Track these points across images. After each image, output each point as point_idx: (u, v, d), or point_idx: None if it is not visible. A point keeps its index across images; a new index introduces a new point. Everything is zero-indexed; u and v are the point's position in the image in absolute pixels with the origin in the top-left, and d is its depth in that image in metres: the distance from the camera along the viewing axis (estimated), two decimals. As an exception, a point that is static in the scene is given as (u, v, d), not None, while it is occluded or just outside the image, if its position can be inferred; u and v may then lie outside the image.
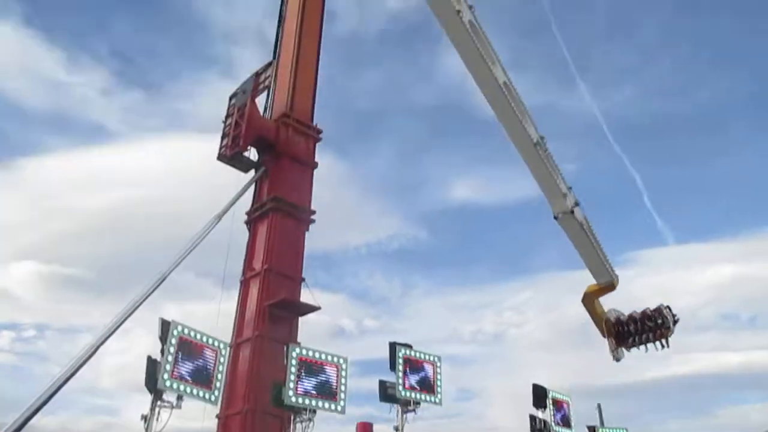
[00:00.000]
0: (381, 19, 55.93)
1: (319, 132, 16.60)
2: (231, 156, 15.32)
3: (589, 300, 19.52)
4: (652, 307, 19.15)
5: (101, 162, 44.53)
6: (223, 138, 15.77)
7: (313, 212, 15.68)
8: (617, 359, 19.67)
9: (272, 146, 15.71)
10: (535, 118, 17.01)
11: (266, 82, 15.89)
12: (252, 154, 15.92)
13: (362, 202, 56.70)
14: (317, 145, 16.54)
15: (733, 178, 56.05)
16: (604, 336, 19.67)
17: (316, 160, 16.34)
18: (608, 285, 18.99)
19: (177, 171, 43.76)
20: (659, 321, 18.86)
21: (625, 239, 57.10)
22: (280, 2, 18.68)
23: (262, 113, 16.23)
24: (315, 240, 16.10)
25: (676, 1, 60.14)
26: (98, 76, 55.09)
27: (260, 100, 16.29)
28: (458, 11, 14.63)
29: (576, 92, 57.83)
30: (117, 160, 44.38)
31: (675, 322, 18.84)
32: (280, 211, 15.02)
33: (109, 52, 53.85)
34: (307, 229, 15.63)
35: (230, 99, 16.32)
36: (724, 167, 57.91)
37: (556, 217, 17.92)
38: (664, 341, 18.95)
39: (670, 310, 18.95)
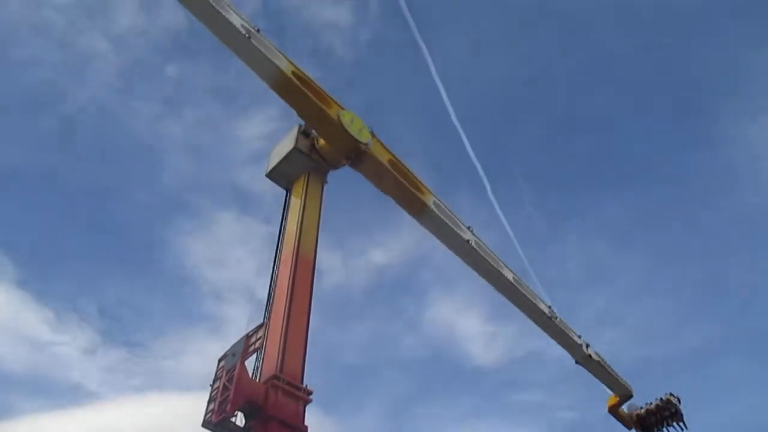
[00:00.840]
0: (366, 273, 58.48)
1: (309, 393, 16.21)
2: (217, 422, 14.63)
3: (615, 410, 23.98)
4: (660, 395, 23.74)
5: (78, 424, 42.38)
6: (209, 402, 15.27)
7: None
8: None
9: (260, 410, 15.18)
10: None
11: (257, 344, 15.96)
12: (239, 418, 15.31)
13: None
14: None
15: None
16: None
17: (306, 423, 15.72)
18: (627, 395, 23.80)
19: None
20: (672, 409, 23.48)
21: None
22: (273, 263, 19.68)
23: (251, 375, 16.02)
24: None
25: (646, 245, 64.17)
26: (83, 335, 55.08)
27: (249, 362, 16.22)
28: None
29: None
30: (94, 421, 42.32)
31: (679, 401, 23.51)
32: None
33: (98, 311, 54.65)
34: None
35: (219, 361, 16.19)
36: (723, 410, 56.36)
37: (577, 362, 22.47)
38: (681, 424, 23.61)
39: (673, 395, 23.50)
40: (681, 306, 61.64)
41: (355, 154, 19.79)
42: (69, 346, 52.76)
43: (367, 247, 57.00)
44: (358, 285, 57.98)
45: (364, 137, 19.66)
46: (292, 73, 18.29)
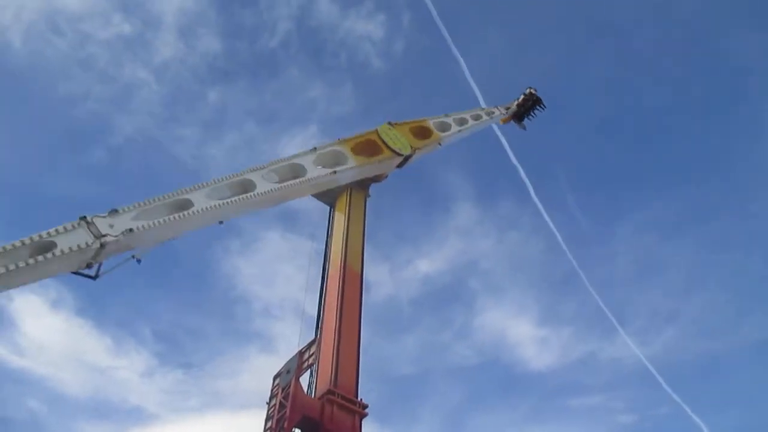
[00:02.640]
0: (414, 283, 58.37)
1: (365, 407, 16.28)
2: (275, 439, 14.91)
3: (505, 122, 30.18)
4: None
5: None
6: (267, 420, 15.54)
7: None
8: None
9: (317, 425, 15.33)
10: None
11: (310, 360, 16.17)
12: (296, 435, 15.50)
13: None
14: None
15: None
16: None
17: (362, 436, 15.80)
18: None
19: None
20: (534, 98, 29.57)
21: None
22: (321, 278, 19.90)
23: (306, 390, 16.21)
24: None
25: (696, 238, 62.24)
26: (140, 359, 56.56)
27: (304, 378, 16.43)
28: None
29: (617, 339, 57.12)
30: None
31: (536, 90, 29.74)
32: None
33: (152, 334, 55.95)
34: None
35: (274, 379, 16.46)
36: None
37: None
38: (542, 106, 29.86)
39: (531, 88, 29.59)
40: (738, 297, 59.41)
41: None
42: (127, 370, 54.23)
43: (413, 257, 56.95)
44: (406, 296, 57.96)
45: (407, 149, 20.09)
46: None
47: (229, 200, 13.93)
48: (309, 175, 16.23)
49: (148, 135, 56.16)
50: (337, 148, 18.14)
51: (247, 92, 63.40)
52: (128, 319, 59.18)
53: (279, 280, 52.25)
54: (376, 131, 19.93)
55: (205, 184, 13.81)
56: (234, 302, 58.46)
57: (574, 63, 65.10)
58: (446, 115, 23.93)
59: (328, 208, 21.40)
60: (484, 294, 60.73)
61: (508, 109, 29.70)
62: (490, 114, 27.78)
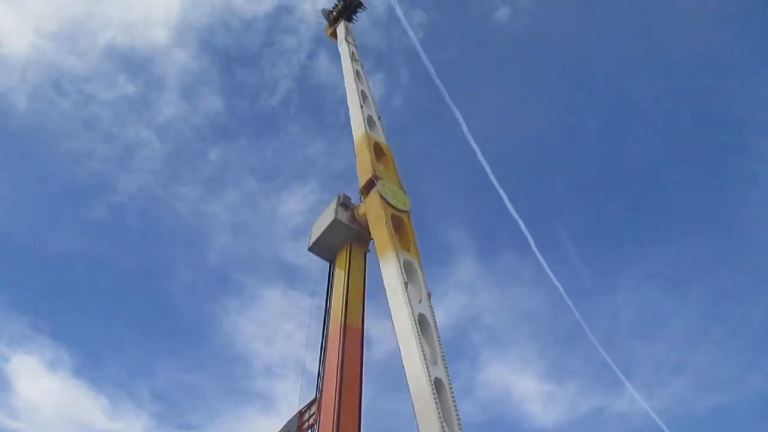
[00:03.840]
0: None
1: (367, 469, 15.87)
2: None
3: None
4: None
5: None
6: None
7: None
8: None
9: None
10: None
11: (311, 421, 15.84)
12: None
13: None
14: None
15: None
16: None
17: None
18: None
19: None
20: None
21: None
22: (321, 336, 19.65)
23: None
24: None
25: (698, 290, 61.80)
26: (138, 420, 55.36)
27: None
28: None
29: (623, 393, 55.97)
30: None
31: None
32: None
33: (151, 394, 54.97)
34: None
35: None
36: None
37: None
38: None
39: None
40: (742, 348, 58.51)
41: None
42: (125, 432, 53.01)
43: (416, 312, 56.20)
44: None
45: (405, 204, 20.19)
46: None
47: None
48: None
49: (149, 192, 56.71)
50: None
51: (248, 149, 64.39)
52: (126, 379, 58.28)
53: (280, 337, 51.76)
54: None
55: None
56: (234, 360, 57.67)
57: (570, 116, 66.33)
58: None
59: (328, 264, 21.36)
60: (487, 349, 59.96)
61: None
62: None
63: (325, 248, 21.24)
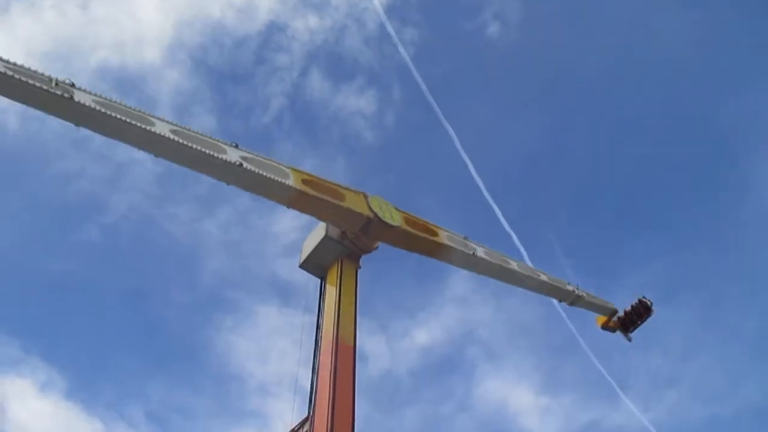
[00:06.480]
0: (412, 354, 57.34)
1: (360, 488, 15.66)
2: None
3: (606, 325, 27.64)
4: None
5: None
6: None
7: None
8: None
9: None
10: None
11: (302, 439, 15.63)
12: None
13: None
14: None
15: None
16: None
17: None
18: (612, 311, 27.32)
19: None
20: (646, 305, 26.80)
21: None
22: (312, 354, 19.48)
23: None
24: None
25: (691, 301, 61.90)
26: (133, 443, 54.59)
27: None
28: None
29: (619, 405, 55.73)
30: None
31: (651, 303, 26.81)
32: None
33: (145, 415, 54.26)
34: None
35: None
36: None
37: (570, 304, 25.76)
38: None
39: (645, 298, 26.66)
40: (736, 359, 58.44)
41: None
42: (119, 456, 52.21)
43: (410, 327, 56.12)
44: (404, 367, 56.67)
45: (396, 220, 20.05)
46: (303, 182, 18.45)
47: (187, 143, 15.72)
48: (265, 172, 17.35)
49: (141, 212, 56.43)
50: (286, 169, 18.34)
51: (241, 167, 64.03)
52: (119, 401, 57.56)
53: (275, 355, 51.20)
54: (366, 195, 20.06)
55: (181, 126, 15.96)
56: (228, 380, 57.07)
57: (562, 130, 66.53)
58: (469, 240, 22.63)
59: (319, 281, 21.24)
60: (483, 363, 59.61)
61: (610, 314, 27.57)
62: (559, 290, 25.50)
63: (316, 265, 21.14)
